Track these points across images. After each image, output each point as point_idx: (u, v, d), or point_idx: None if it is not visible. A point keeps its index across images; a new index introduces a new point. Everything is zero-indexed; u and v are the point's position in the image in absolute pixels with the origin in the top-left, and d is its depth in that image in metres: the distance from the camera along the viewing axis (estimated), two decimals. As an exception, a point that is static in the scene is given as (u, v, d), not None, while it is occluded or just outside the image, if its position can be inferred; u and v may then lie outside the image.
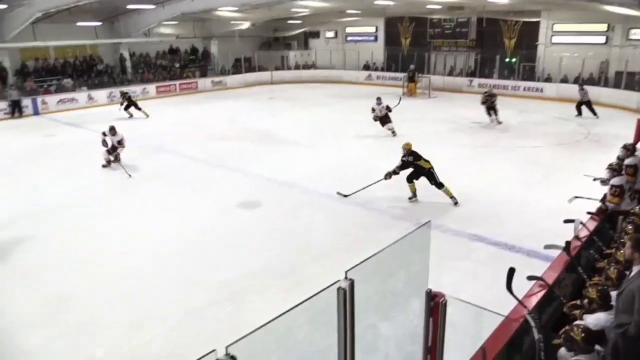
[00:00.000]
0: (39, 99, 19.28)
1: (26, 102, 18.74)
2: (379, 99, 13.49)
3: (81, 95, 20.63)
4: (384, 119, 13.44)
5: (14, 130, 16.00)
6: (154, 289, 5.86)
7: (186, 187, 9.67)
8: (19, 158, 12.15)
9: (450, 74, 24.42)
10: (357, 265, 2.39)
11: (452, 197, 8.27)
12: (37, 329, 5.16)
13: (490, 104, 14.92)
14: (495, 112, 15.01)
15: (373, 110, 13.49)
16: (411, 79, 22.00)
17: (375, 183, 8.46)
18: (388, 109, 13.41)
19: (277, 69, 28.29)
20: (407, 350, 3.49)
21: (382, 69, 26.87)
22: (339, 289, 2.27)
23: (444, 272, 5.59)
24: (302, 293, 2.31)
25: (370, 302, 3.00)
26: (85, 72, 22.31)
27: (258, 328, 1.88)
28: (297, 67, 28.86)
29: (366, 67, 27.38)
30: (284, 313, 2.13)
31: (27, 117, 18.29)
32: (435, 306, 2.91)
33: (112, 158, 10.93)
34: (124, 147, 10.99)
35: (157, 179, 10.28)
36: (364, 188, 8.42)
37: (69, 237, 7.46)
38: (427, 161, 8.30)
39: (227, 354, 1.67)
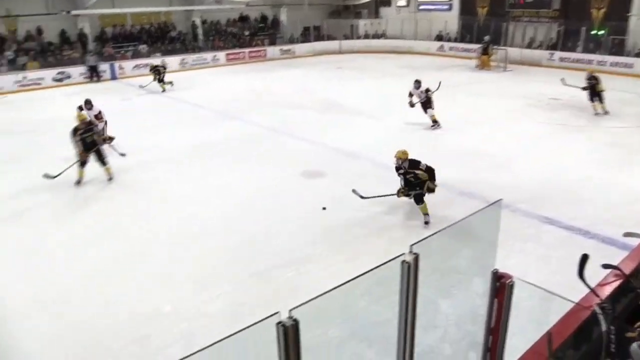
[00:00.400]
0: (117, 64, 20.29)
1: (104, 67, 19.80)
2: (417, 82, 11.58)
3: (155, 61, 21.44)
4: (426, 105, 11.47)
5: (92, 93, 16.82)
6: (221, 251, 6.10)
7: (252, 154, 9.89)
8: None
9: (529, 46, 23.02)
10: (422, 240, 2.35)
11: (425, 213, 6.64)
12: (112, 280, 5.55)
13: (594, 89, 12.45)
14: (601, 99, 12.49)
15: (410, 95, 11.64)
16: (485, 51, 20.97)
17: (389, 195, 6.93)
18: (428, 92, 11.43)
19: (346, 38, 27.91)
20: (467, 329, 3.43)
21: (456, 40, 25.79)
22: (403, 262, 2.24)
23: (511, 253, 5.41)
24: (363, 264, 2.30)
25: (432, 278, 2.95)
26: (159, 38, 23.16)
27: (320, 295, 1.90)
28: (366, 37, 28.30)
29: (439, 38, 26.39)
30: (345, 282, 2.14)
31: (105, 81, 19.30)
32: (501, 287, 2.81)
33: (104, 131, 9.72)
34: (104, 120, 9.92)
35: (224, 145, 10.56)
36: (381, 196, 6.93)
37: (141, 198, 7.91)
38: (431, 169, 6.59)
39: (290, 317, 1.70)
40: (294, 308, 1.71)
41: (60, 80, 19.01)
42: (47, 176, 8.20)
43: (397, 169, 6.67)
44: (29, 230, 6.88)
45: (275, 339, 1.75)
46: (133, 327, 4.69)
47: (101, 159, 8.45)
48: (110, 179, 8.58)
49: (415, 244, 2.28)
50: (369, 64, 22.49)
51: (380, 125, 11.87)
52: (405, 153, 6.58)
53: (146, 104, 15.26)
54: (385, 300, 3.35)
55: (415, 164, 6.54)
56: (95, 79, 19.46)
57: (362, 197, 6.94)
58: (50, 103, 15.89)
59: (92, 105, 9.97)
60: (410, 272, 2.28)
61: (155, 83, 16.94)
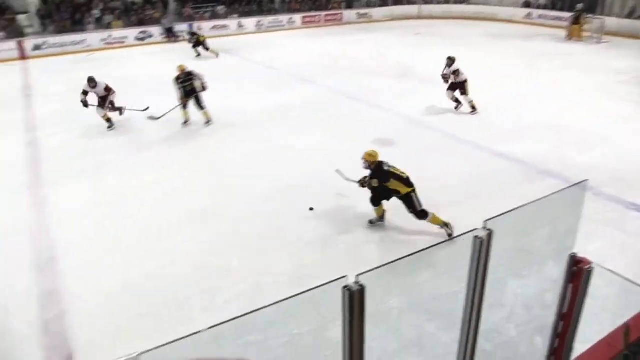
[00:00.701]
0: (195, 25, 20.78)
1: (183, 27, 20.34)
2: (449, 59, 9.88)
3: (232, 23, 21.82)
4: (456, 87, 9.90)
5: (170, 53, 17.56)
6: (289, 210, 6.22)
7: (324, 119, 9.90)
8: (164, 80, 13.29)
9: (630, 16, 20.96)
10: (496, 216, 2.25)
11: (444, 225, 5.42)
12: (184, 232, 5.85)
13: None
14: None
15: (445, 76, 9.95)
16: (576, 21, 19.37)
17: (354, 182, 6.04)
18: (456, 74, 9.72)
19: (425, 2, 26.81)
20: (536, 313, 3.30)
21: (545, 7, 24.00)
22: (475, 237, 2.17)
23: (591, 238, 5.09)
24: (435, 233, 2.25)
25: (503, 257, 2.85)
26: (237, 0, 23.38)
27: (386, 264, 1.88)
28: (447, 2, 27.04)
29: (526, 4, 24.68)
30: (412, 254, 2.10)
31: (184, 41, 19.85)
32: (578, 272, 2.66)
33: (108, 111, 9.59)
34: (114, 92, 9.61)
35: (297, 109, 10.64)
36: (356, 182, 5.90)
37: (220, 156, 8.20)
38: (404, 179, 5.46)
39: (356, 282, 1.70)
40: (361, 274, 1.71)
41: (142, 39, 19.87)
42: (151, 118, 9.72)
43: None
44: (109, 181, 7.38)
45: (340, 302, 1.76)
46: (202, 279, 4.93)
47: (199, 104, 9.46)
48: (208, 121, 9.63)
49: (489, 220, 2.19)
50: (449, 31, 21.54)
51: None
52: (370, 155, 5.56)
53: (221, 64, 15.61)
54: (451, 275, 3.28)
55: (383, 174, 5.43)
56: (173, 39, 20.12)
57: (346, 179, 6.17)
58: (132, 61, 16.72)
59: (96, 84, 9.29)
60: (482, 248, 2.20)
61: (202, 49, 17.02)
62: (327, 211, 6.21)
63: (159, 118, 9.74)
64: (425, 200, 5.99)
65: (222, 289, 4.76)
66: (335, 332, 1.94)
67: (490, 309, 2.93)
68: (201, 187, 7.06)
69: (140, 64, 16.38)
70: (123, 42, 19.44)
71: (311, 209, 6.19)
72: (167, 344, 1.47)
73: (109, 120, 9.60)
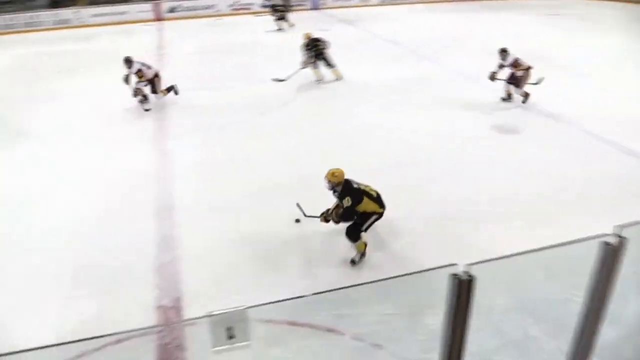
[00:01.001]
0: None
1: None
2: (503, 51, 8.81)
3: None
4: (512, 81, 8.87)
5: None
6: (404, 191, 6.06)
7: (444, 99, 9.46)
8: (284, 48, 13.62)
9: None
10: (634, 224, 2.00)
11: (361, 254, 4.66)
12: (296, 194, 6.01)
13: None
14: None
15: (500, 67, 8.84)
16: None
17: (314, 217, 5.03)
18: (516, 67, 8.63)
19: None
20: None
21: None
22: (605, 243, 1.95)
23: None
24: (550, 235, 2.06)
25: (630, 268, 2.54)
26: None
27: (501, 257, 1.76)
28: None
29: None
30: (528, 251, 1.95)
31: (305, 11, 20.05)
32: None
33: (146, 90, 9.14)
34: (148, 76, 9.11)
35: (420, 85, 10.31)
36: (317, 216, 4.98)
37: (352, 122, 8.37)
38: (376, 197, 4.68)
39: (465, 272, 1.62)
40: (472, 264, 1.62)
41: (266, 6, 20.45)
42: (276, 80, 10.57)
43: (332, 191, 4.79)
44: (230, 140, 7.80)
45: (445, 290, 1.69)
46: (303, 245, 5.04)
47: (328, 64, 10.51)
48: (337, 79, 10.64)
49: (625, 226, 1.95)
50: (594, 13, 19.29)
51: (597, 87, 10.10)
52: (335, 175, 4.61)
53: (342, 35, 15.57)
54: (565, 281, 3.01)
55: (354, 192, 4.57)
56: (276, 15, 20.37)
57: (305, 215, 5.05)
58: (254, 28, 17.28)
59: (131, 64, 8.94)
60: (611, 256, 1.98)
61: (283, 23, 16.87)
62: (436, 191, 5.96)
63: (283, 80, 10.55)
64: (550, 199, 5.46)
65: (323, 256, 4.80)
66: (433, 319, 1.88)
67: (607, 324, 2.66)
68: (318, 151, 7.13)
69: (262, 31, 16.89)
70: (248, 9, 20.21)
71: (297, 220, 5.22)
72: (270, 302, 1.51)
73: (144, 97, 9.13)
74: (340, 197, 4.58)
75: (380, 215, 4.65)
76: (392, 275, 1.63)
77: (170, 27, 18.06)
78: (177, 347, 3.79)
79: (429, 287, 1.90)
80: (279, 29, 16.70)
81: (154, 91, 9.26)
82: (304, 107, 9.32)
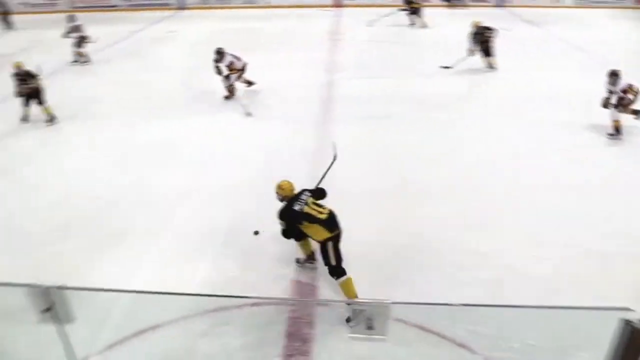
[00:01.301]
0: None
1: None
2: (613, 74, 7.49)
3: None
4: (619, 104, 7.38)
5: (460, 18, 16.53)
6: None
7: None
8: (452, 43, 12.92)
9: None
10: None
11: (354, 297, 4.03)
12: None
13: None
14: None
15: (610, 93, 7.54)
16: None
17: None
18: (627, 93, 7.29)
19: None
20: None
21: None
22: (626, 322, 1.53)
23: None
24: None
25: None
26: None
27: None
28: None
29: None
30: None
31: (487, 7, 18.95)
32: None
33: (234, 83, 9.42)
34: (238, 69, 9.33)
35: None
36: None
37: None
38: (324, 220, 4.09)
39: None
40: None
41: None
42: (444, 67, 11.07)
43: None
44: (388, 132, 7.83)
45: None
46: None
47: (488, 53, 10.87)
48: (490, 67, 10.96)
49: None
50: None
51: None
52: (281, 188, 4.35)
53: (524, 36, 14.44)
54: None
55: (287, 214, 4.20)
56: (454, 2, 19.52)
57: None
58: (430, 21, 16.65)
59: (222, 56, 9.23)
60: None
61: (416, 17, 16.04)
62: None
63: (450, 67, 11.04)
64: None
65: (425, 261, 4.69)
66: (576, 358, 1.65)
67: None
68: (484, 162, 6.80)
69: (437, 24, 16.36)
70: (429, 1, 19.70)
71: (256, 232, 5.06)
72: (414, 303, 1.48)
73: (230, 91, 9.46)
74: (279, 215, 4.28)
75: (336, 237, 4.11)
76: (550, 305, 1.46)
77: (348, 14, 18.51)
78: (307, 324, 3.95)
79: (587, 325, 1.68)
80: (412, 24, 16.18)
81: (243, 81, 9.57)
82: (474, 112, 8.81)
